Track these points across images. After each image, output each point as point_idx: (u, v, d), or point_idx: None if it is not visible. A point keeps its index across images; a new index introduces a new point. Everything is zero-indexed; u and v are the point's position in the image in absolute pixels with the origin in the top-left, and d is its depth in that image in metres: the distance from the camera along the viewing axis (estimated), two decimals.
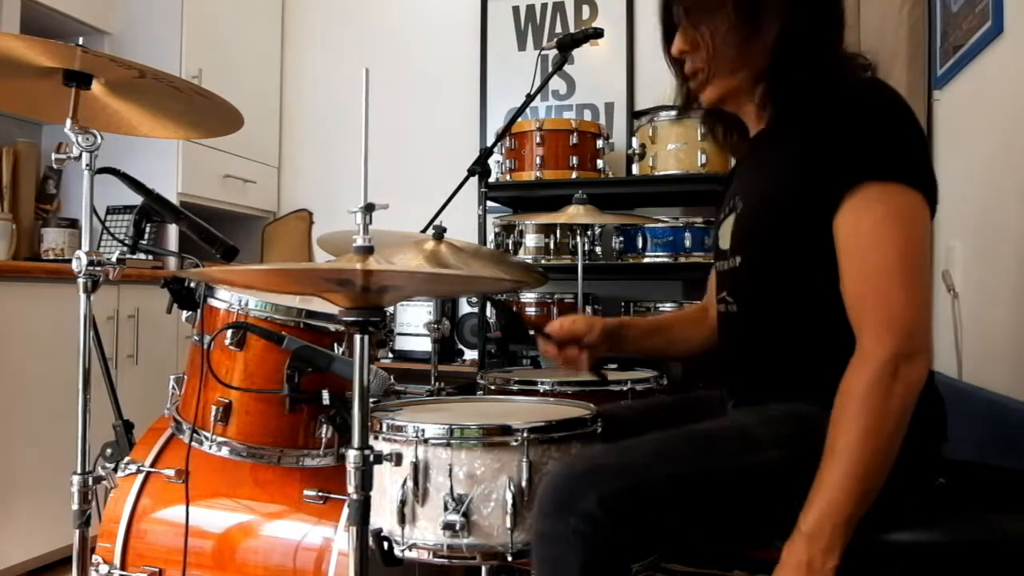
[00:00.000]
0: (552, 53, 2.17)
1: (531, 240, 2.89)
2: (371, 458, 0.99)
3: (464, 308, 3.20)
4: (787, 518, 1.06)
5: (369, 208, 0.98)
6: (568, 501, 1.00)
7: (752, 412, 1.13)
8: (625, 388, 1.74)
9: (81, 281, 1.36)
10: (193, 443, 1.48)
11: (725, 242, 1.24)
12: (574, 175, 2.83)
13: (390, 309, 2.74)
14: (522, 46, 3.42)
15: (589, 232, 2.81)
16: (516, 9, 3.42)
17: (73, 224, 2.83)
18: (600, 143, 2.91)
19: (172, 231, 2.97)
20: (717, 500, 1.05)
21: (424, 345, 2.85)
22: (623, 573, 1.03)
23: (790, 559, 0.96)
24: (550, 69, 2.20)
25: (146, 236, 1.61)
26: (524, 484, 1.19)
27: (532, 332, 1.44)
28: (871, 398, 0.95)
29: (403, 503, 1.21)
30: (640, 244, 2.76)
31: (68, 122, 1.33)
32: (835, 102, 1.06)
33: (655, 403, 1.58)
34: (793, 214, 1.09)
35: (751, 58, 1.15)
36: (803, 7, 1.12)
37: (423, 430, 1.22)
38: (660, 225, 2.73)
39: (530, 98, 2.16)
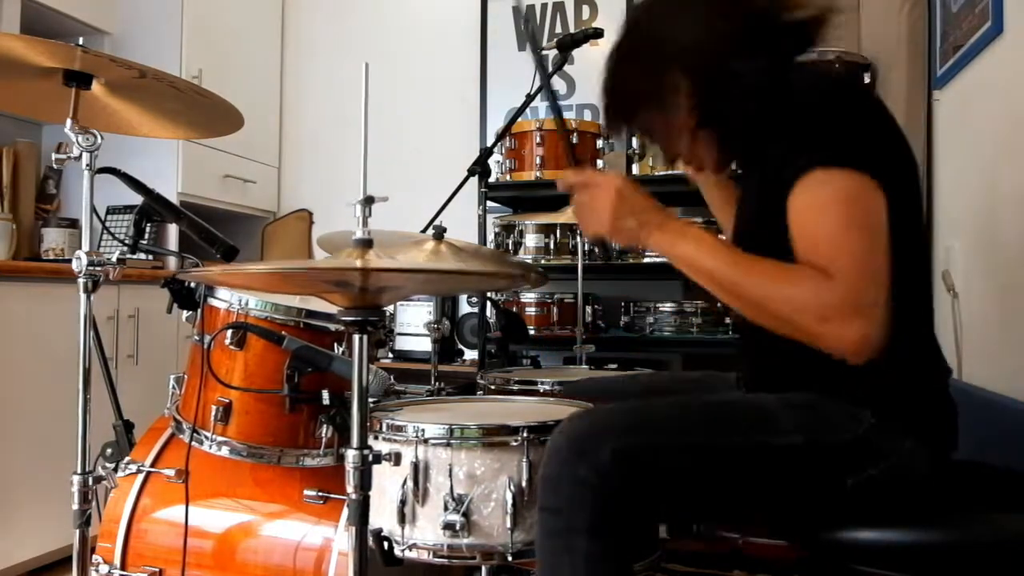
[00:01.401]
0: (552, 53, 2.17)
1: (531, 240, 2.89)
2: (370, 458, 0.99)
3: (464, 308, 3.20)
4: (791, 504, 1.06)
5: (369, 200, 0.98)
6: (583, 449, 1.00)
7: (771, 393, 1.13)
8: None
9: (81, 281, 1.36)
10: (193, 443, 1.48)
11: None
12: None
13: (390, 309, 2.74)
14: (522, 46, 3.42)
15: None
16: (516, 9, 3.42)
17: (73, 224, 2.83)
18: (600, 143, 2.91)
19: (172, 231, 2.97)
20: (728, 472, 1.05)
21: (424, 345, 2.85)
22: (628, 528, 1.02)
23: (654, 208, 1.12)
24: (550, 69, 2.19)
25: (146, 236, 1.61)
26: (524, 484, 1.19)
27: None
28: (802, 296, 0.98)
29: (403, 503, 1.21)
30: None
31: (68, 122, 1.33)
32: (788, 113, 1.08)
33: (665, 379, 1.59)
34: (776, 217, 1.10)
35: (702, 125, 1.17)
36: (704, 67, 1.12)
37: (423, 430, 1.22)
38: None
39: (530, 98, 2.15)
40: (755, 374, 1.24)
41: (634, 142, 2.84)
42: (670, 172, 2.72)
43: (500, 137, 2.63)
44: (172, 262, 2.87)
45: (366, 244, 0.96)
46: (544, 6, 3.39)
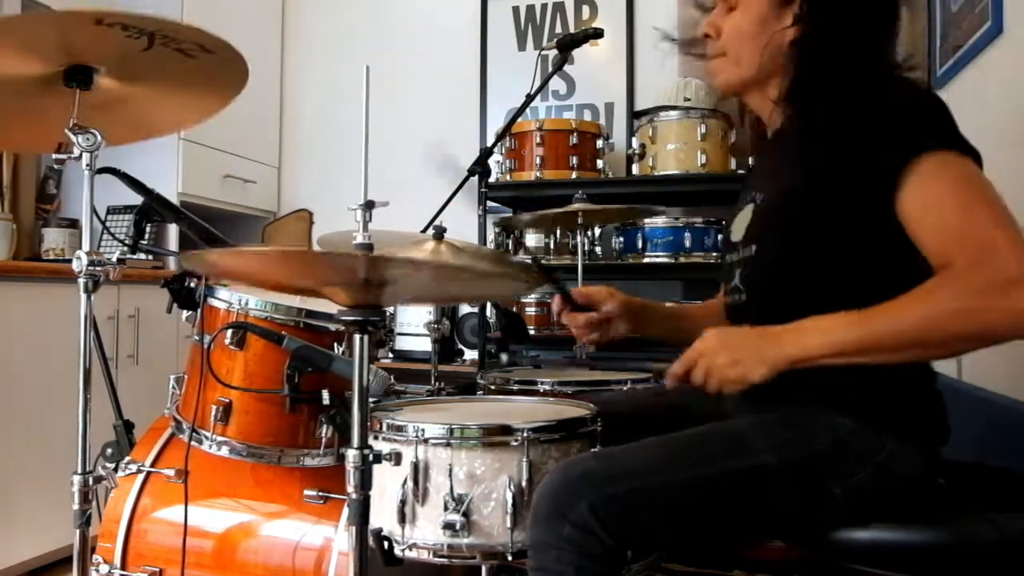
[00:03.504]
0: (552, 53, 2.17)
1: (531, 240, 2.89)
2: (370, 458, 0.99)
3: (464, 308, 3.20)
4: (778, 519, 1.06)
5: (369, 205, 0.98)
6: (560, 509, 1.00)
7: (746, 414, 1.13)
8: (625, 388, 1.74)
9: (81, 281, 1.36)
10: (193, 443, 1.48)
11: (738, 234, 1.23)
12: (574, 175, 2.83)
13: (390, 309, 2.74)
14: (522, 46, 3.42)
15: (589, 232, 2.81)
16: (516, 9, 3.42)
17: (73, 224, 2.83)
18: (600, 143, 2.91)
19: (172, 231, 2.97)
20: (709, 504, 1.05)
21: (424, 345, 2.84)
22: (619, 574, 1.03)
23: (761, 333, 1.05)
24: (550, 69, 2.19)
25: (146, 236, 1.61)
26: (524, 484, 1.19)
27: (554, 288, 1.45)
28: (951, 300, 0.94)
29: (403, 503, 1.21)
30: (640, 244, 2.76)
31: (69, 122, 1.33)
32: (873, 95, 1.07)
33: (654, 397, 1.58)
34: (819, 204, 1.09)
35: (774, 49, 1.17)
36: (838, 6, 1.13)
37: (423, 430, 1.22)
38: (660, 225, 2.73)
39: (530, 98, 2.15)
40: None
41: (634, 142, 2.84)
42: (670, 172, 2.73)
43: (500, 137, 2.63)
44: (172, 262, 2.87)
45: (367, 249, 0.96)
46: (544, 6, 3.39)
